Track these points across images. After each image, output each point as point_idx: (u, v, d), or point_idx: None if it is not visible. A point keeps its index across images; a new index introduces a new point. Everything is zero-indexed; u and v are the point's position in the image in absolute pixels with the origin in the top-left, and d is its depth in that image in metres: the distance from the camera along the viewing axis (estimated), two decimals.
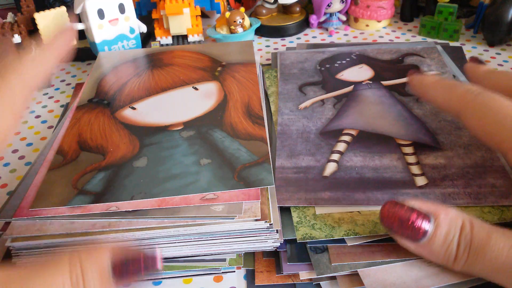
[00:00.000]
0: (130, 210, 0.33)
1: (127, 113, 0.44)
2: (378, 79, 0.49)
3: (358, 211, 0.34)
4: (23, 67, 0.30)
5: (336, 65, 0.52)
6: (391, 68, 0.51)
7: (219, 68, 0.50)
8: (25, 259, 0.33)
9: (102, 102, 0.46)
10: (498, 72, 0.38)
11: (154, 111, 0.44)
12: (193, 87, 0.47)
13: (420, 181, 0.36)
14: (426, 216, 0.28)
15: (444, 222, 0.28)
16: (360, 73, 0.50)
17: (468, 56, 0.57)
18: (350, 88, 0.48)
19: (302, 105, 0.46)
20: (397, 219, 0.28)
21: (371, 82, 0.48)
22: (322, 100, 0.46)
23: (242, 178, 0.35)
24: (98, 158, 0.38)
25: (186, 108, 0.44)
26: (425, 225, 0.28)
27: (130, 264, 0.27)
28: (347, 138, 0.41)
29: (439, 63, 0.51)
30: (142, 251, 0.28)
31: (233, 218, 0.31)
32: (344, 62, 0.53)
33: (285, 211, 0.35)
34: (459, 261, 0.28)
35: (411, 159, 0.38)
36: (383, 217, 0.29)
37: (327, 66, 0.52)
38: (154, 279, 0.33)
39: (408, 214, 0.28)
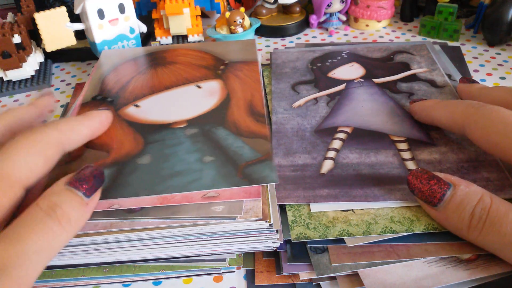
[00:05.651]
0: (131, 210, 0.33)
1: (131, 111, 0.44)
2: (370, 77, 0.49)
3: (353, 210, 0.34)
4: (62, 126, 0.34)
5: (328, 63, 0.53)
6: (382, 66, 0.51)
7: (221, 67, 0.50)
8: None
9: (106, 99, 0.46)
10: (491, 88, 0.40)
11: (157, 109, 0.44)
12: (196, 85, 0.47)
13: None
14: (445, 184, 0.30)
15: (462, 192, 0.30)
16: (352, 71, 0.51)
17: (466, 56, 0.57)
18: (343, 86, 0.48)
19: (296, 104, 0.46)
20: (419, 182, 0.31)
21: (363, 80, 0.49)
22: (315, 99, 0.47)
23: (246, 175, 0.35)
24: (103, 155, 0.38)
25: (189, 106, 0.44)
26: (443, 191, 0.30)
27: (80, 172, 0.31)
28: (342, 135, 0.41)
29: (429, 60, 0.51)
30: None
31: (234, 219, 0.31)
32: (335, 60, 0.53)
33: (282, 211, 0.35)
34: (473, 231, 0.29)
35: (406, 155, 0.38)
36: (408, 179, 0.32)
37: (319, 64, 0.53)
38: (154, 279, 0.34)
39: (429, 179, 0.31)
